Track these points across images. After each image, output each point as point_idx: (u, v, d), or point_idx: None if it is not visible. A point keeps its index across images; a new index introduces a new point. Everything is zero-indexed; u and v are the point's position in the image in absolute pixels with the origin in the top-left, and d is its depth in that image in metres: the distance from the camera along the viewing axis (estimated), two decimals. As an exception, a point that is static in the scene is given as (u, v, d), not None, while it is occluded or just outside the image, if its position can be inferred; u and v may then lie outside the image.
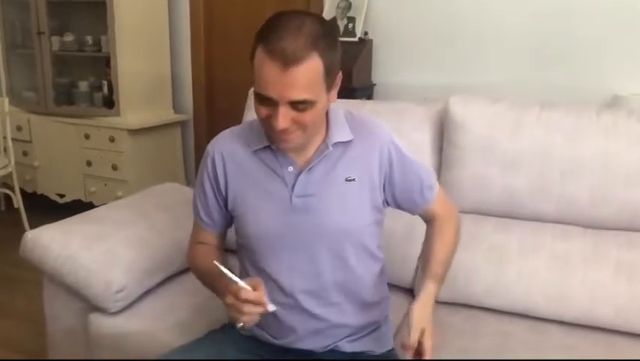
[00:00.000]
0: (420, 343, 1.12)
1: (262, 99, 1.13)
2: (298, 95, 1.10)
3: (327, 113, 1.27)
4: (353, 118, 1.32)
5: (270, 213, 1.26)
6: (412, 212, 1.39)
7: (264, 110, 1.14)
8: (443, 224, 1.37)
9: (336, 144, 1.26)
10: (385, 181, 1.30)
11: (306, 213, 1.25)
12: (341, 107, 1.33)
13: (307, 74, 1.09)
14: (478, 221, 1.81)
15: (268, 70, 1.09)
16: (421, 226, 1.42)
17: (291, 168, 1.26)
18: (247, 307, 1.09)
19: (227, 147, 1.31)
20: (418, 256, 1.71)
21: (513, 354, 1.46)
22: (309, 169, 1.25)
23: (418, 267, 1.75)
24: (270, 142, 1.24)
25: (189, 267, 1.48)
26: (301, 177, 1.25)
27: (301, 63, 1.08)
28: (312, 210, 1.25)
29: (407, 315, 1.16)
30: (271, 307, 1.12)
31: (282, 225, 1.25)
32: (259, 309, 1.10)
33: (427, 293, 1.21)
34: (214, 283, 1.26)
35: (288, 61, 1.07)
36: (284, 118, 1.12)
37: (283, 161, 1.26)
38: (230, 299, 1.11)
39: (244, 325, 1.12)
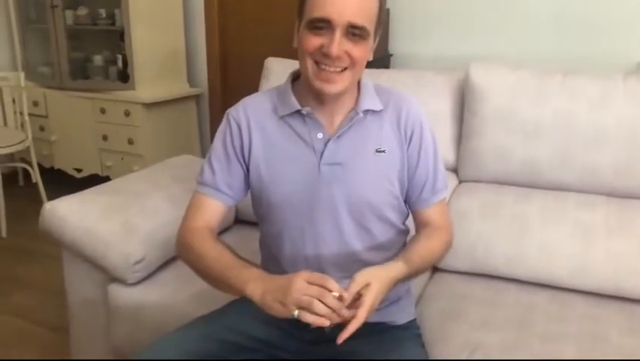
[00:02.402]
0: (360, 296, 1.05)
1: (315, 27, 1.12)
2: (358, 19, 1.11)
3: (358, 81, 1.26)
4: (382, 90, 1.30)
5: (296, 180, 1.24)
6: (407, 206, 1.33)
7: (316, 40, 1.13)
8: (434, 232, 1.29)
9: (366, 111, 1.24)
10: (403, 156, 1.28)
11: (333, 182, 1.22)
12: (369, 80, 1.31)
13: (367, 4, 1.13)
14: (499, 191, 1.78)
15: None
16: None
17: (320, 135, 1.23)
18: (330, 300, 1.01)
19: (253, 113, 1.28)
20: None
21: (535, 325, 1.44)
22: (338, 136, 1.23)
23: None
24: (314, 87, 1.18)
25: (181, 249, 1.31)
26: (330, 144, 1.23)
27: None
28: (340, 179, 1.22)
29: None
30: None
31: (309, 192, 1.23)
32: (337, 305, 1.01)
33: (393, 265, 1.14)
34: (226, 272, 1.17)
35: None
36: (339, 45, 1.11)
37: (312, 127, 1.24)
38: (302, 284, 1.02)
39: (303, 317, 1.02)
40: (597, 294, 1.58)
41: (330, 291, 1.02)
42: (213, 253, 1.23)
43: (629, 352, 1.34)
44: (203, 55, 3.77)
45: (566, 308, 1.53)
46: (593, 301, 1.56)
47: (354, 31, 1.12)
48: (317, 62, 1.15)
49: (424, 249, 1.24)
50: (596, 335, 1.40)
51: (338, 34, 1.11)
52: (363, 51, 1.16)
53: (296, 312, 1.02)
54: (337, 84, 1.17)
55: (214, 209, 1.30)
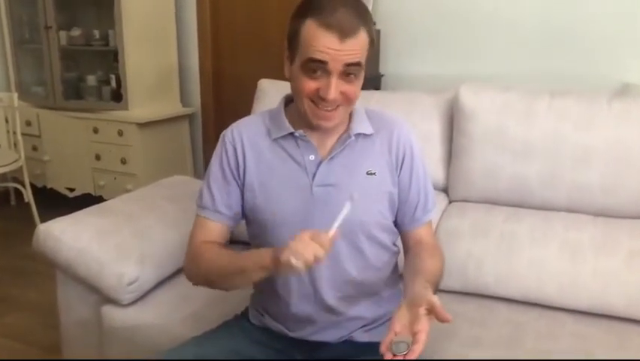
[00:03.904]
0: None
1: (312, 71, 1.14)
2: (353, 58, 1.13)
3: None
4: (373, 114, 1.33)
5: (289, 201, 1.26)
6: (397, 227, 1.35)
7: (313, 84, 1.16)
8: (431, 250, 1.31)
9: (357, 135, 1.27)
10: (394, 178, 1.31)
11: (326, 203, 1.25)
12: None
13: (360, 45, 1.14)
14: (489, 210, 1.81)
15: (324, 39, 1.12)
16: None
17: (312, 157, 1.26)
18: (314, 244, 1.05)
19: (247, 135, 1.31)
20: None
21: (525, 343, 1.46)
22: (331, 158, 1.26)
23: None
24: (310, 123, 1.22)
25: (189, 269, 1.33)
26: (322, 166, 1.25)
27: (355, 36, 1.13)
28: (332, 200, 1.24)
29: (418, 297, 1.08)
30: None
31: (302, 213, 1.25)
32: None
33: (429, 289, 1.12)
34: (238, 262, 1.20)
35: (345, 33, 1.11)
36: (336, 88, 1.14)
37: (305, 149, 1.26)
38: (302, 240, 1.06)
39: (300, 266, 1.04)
40: (585, 312, 1.60)
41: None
42: (220, 250, 1.27)
43: (618, 369, 1.36)
44: (196, 75, 3.81)
45: (555, 326, 1.55)
46: (581, 319, 1.59)
47: (349, 70, 1.14)
48: (313, 101, 1.18)
49: (436, 268, 1.25)
50: (584, 352, 1.42)
51: (334, 78, 1.14)
52: (358, 87, 1.19)
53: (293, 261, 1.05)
54: (334, 120, 1.21)
55: (216, 232, 1.32)
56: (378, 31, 3.17)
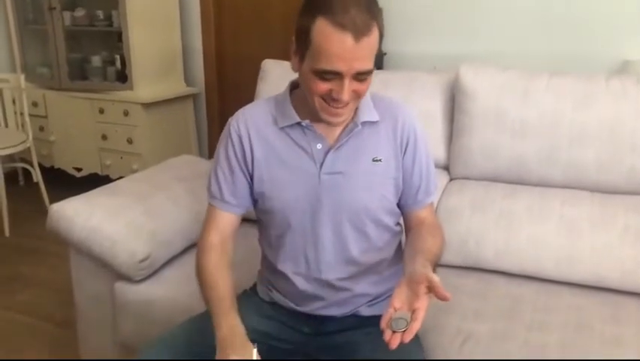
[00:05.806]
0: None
1: (324, 75, 1.14)
2: (366, 66, 1.13)
3: None
4: (379, 100, 1.35)
5: (297, 188, 1.29)
6: (400, 208, 1.39)
7: (325, 86, 1.15)
8: (435, 230, 1.34)
9: (364, 123, 1.29)
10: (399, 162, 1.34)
11: (333, 190, 1.28)
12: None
13: (372, 44, 1.13)
14: (488, 187, 1.85)
15: (338, 43, 1.09)
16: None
17: (319, 146, 1.28)
18: None
19: (253, 124, 1.32)
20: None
21: (523, 315, 1.52)
22: (338, 147, 1.28)
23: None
24: (319, 117, 1.23)
25: (197, 268, 1.34)
26: (330, 155, 1.28)
27: (369, 34, 1.11)
28: (339, 187, 1.28)
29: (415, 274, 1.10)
30: None
31: (309, 200, 1.29)
32: None
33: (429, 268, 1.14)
34: (214, 302, 1.25)
35: (359, 32, 1.09)
36: (349, 90, 1.15)
37: (312, 138, 1.29)
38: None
39: None
40: (582, 285, 1.66)
41: None
42: (213, 279, 1.29)
43: (611, 340, 1.41)
44: (199, 54, 3.82)
45: (552, 299, 1.60)
46: (577, 291, 1.64)
47: (361, 77, 1.15)
48: (325, 100, 1.19)
49: (436, 247, 1.29)
50: (580, 323, 1.47)
51: (347, 82, 1.14)
52: (368, 84, 1.19)
53: None
54: (343, 116, 1.22)
55: (224, 220, 1.35)
56: (381, 10, 3.17)
